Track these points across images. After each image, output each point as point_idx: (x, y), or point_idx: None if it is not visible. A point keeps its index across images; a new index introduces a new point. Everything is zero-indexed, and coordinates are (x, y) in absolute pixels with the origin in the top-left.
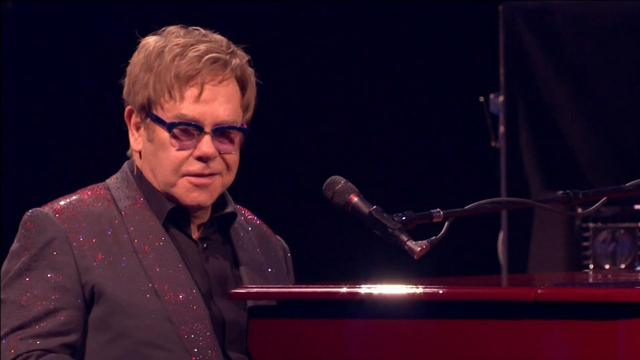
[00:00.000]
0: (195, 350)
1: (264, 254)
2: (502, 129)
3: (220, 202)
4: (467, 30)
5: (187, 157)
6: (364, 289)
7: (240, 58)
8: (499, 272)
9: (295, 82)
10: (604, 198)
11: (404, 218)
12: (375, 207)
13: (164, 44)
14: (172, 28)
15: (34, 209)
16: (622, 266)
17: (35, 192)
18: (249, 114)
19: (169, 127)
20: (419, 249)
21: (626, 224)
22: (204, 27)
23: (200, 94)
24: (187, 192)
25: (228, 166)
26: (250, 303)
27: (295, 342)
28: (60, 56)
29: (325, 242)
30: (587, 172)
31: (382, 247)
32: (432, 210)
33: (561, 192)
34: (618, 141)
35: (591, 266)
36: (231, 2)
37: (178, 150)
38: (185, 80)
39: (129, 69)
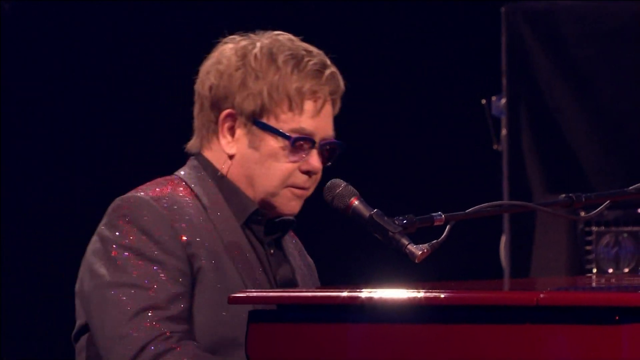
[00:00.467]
0: None
1: (304, 263)
2: (504, 131)
3: None
4: (469, 32)
5: (295, 169)
6: (365, 294)
7: (337, 70)
8: (501, 276)
9: None
10: (607, 201)
11: (404, 221)
12: (375, 210)
13: (270, 48)
14: (257, 35)
15: (128, 195)
16: (626, 270)
17: (35, 192)
18: None
19: (293, 141)
20: (419, 252)
21: (629, 228)
22: (203, 27)
23: (320, 109)
24: (287, 202)
25: (317, 181)
26: None
27: (295, 347)
28: (60, 56)
29: (325, 246)
30: (590, 175)
31: (382, 251)
32: (434, 214)
33: (564, 195)
34: (621, 144)
35: (594, 270)
36: (230, 2)
37: (290, 162)
38: (309, 94)
39: (221, 68)
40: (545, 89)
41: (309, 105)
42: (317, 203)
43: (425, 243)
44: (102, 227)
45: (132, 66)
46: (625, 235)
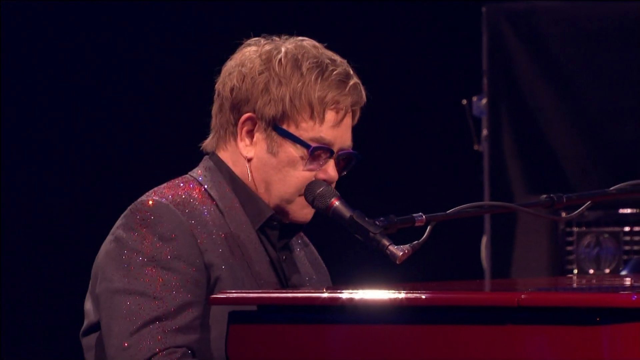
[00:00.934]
0: None
1: (311, 263)
2: (485, 132)
3: None
4: (450, 31)
5: (312, 177)
6: (345, 294)
7: (359, 80)
8: (482, 277)
9: None
10: (588, 202)
11: (385, 222)
12: (356, 211)
13: (295, 54)
14: (281, 39)
15: (148, 198)
16: (607, 271)
17: (35, 192)
18: None
19: (312, 150)
20: (400, 253)
21: (610, 229)
22: (202, 27)
23: (341, 119)
24: (301, 209)
25: None
26: None
27: (276, 348)
28: (59, 56)
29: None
30: (571, 175)
31: (363, 252)
32: (414, 214)
33: (545, 196)
34: (603, 144)
35: (575, 271)
36: (228, 2)
37: (307, 170)
38: (332, 104)
39: (244, 72)
40: (526, 89)
41: (330, 115)
42: None
43: (406, 244)
44: (118, 229)
45: (134, 65)
46: (606, 235)
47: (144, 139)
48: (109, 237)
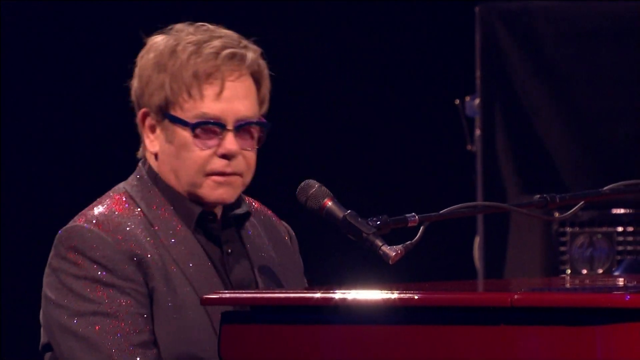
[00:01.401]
0: None
1: (273, 245)
2: (478, 132)
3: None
4: (443, 31)
5: (211, 156)
6: (338, 295)
7: (253, 51)
8: (475, 278)
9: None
10: (582, 202)
11: (378, 222)
12: (349, 211)
13: (175, 42)
14: (179, 26)
15: (71, 225)
16: (600, 271)
17: (35, 192)
18: (265, 108)
19: (193, 127)
20: (393, 254)
21: (604, 229)
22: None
23: (220, 91)
24: (212, 190)
25: (248, 165)
26: None
27: (269, 348)
28: (59, 56)
29: (299, 248)
30: (564, 176)
31: (356, 252)
32: (407, 215)
33: (538, 196)
34: (596, 145)
35: (568, 271)
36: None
37: (202, 150)
38: (205, 78)
39: (138, 70)
40: (520, 89)
41: (208, 89)
42: (290, 204)
43: (399, 244)
44: (52, 259)
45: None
46: (599, 236)
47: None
48: (47, 270)
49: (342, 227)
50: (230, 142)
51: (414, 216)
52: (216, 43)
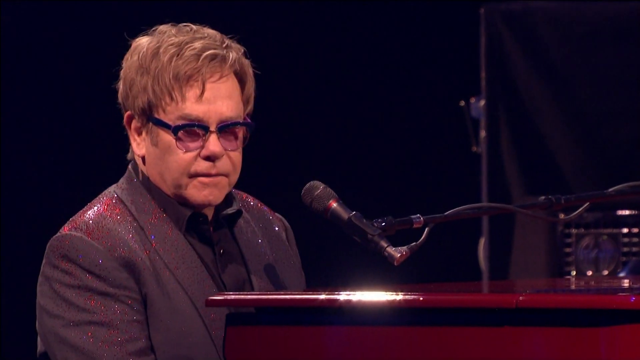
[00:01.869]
0: None
1: (268, 241)
2: (483, 133)
3: (224, 200)
4: (448, 33)
5: (195, 158)
6: (343, 296)
7: (236, 51)
8: (480, 279)
9: (273, 86)
10: (587, 204)
11: (383, 224)
12: (354, 212)
13: (157, 45)
14: (162, 27)
15: (62, 234)
16: (605, 272)
17: (35, 192)
18: (250, 107)
19: (175, 130)
20: (398, 255)
21: (609, 230)
22: (195, 23)
23: (202, 92)
24: (198, 192)
25: (234, 166)
26: None
27: (273, 350)
28: (59, 56)
29: (303, 249)
30: (569, 177)
31: (361, 254)
32: (413, 216)
33: (543, 197)
34: (600, 146)
35: (573, 272)
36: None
37: (185, 152)
38: (185, 80)
39: (123, 72)
40: (524, 90)
41: (189, 91)
42: (295, 205)
43: (404, 245)
44: (44, 267)
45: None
46: (604, 237)
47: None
48: (40, 278)
49: (347, 228)
50: (214, 143)
51: (419, 217)
52: (197, 45)
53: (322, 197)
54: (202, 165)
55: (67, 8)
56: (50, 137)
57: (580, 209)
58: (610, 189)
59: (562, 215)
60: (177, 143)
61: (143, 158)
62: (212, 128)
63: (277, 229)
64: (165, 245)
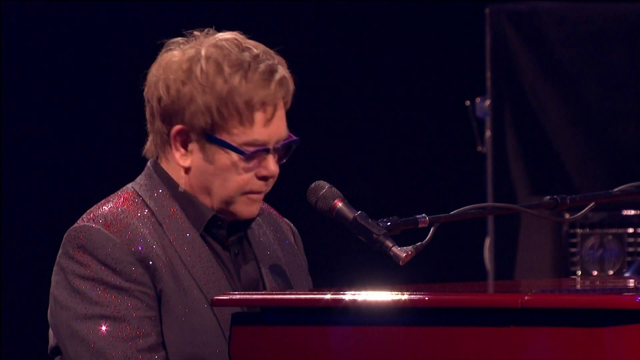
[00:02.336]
0: None
1: (279, 244)
2: (488, 133)
3: None
4: (453, 32)
5: (252, 177)
6: (348, 296)
7: (283, 66)
8: (486, 279)
9: None
10: (592, 204)
11: (389, 224)
12: (359, 212)
13: (216, 59)
14: (200, 34)
15: (80, 225)
16: (610, 272)
17: (35, 192)
18: None
19: (248, 157)
20: (404, 255)
21: (614, 230)
22: (196, 25)
23: (271, 117)
24: (247, 207)
25: (274, 180)
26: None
27: (279, 350)
28: (59, 56)
29: (308, 249)
30: (574, 177)
31: (366, 253)
32: (418, 216)
33: (548, 197)
34: (606, 146)
35: (579, 272)
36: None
37: (247, 171)
38: (259, 105)
39: (164, 81)
40: (529, 90)
41: (259, 115)
42: (300, 205)
43: (409, 245)
44: (60, 257)
45: (133, 64)
46: (609, 237)
47: (144, 139)
48: (55, 268)
49: (352, 228)
50: (273, 164)
51: (425, 217)
52: (262, 66)
53: (327, 196)
54: (258, 184)
55: (67, 8)
56: (50, 136)
57: (585, 209)
58: (615, 189)
59: (567, 215)
60: (243, 165)
61: (186, 169)
62: (271, 148)
63: (286, 232)
64: (183, 243)
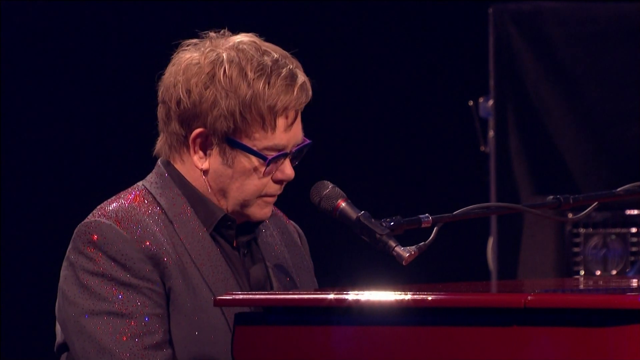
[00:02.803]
0: None
1: (286, 245)
2: (491, 133)
3: None
4: (456, 32)
5: (269, 180)
6: (352, 296)
7: (300, 69)
8: (489, 278)
9: None
10: (595, 203)
11: (392, 223)
12: (363, 212)
13: (239, 63)
14: (216, 36)
15: (91, 220)
16: (614, 272)
17: (35, 192)
18: None
19: (269, 162)
20: (407, 254)
21: (617, 230)
22: (196, 25)
23: (292, 123)
24: (261, 209)
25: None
26: None
27: (282, 349)
28: (59, 56)
29: (311, 248)
30: (577, 176)
31: (370, 253)
32: (421, 216)
33: (551, 197)
34: (609, 145)
35: (582, 272)
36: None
37: (265, 176)
38: (282, 111)
39: (189, 86)
40: (533, 90)
41: (281, 120)
42: (303, 205)
43: (412, 245)
44: (70, 252)
45: (133, 64)
46: (613, 237)
47: (145, 139)
48: (64, 263)
49: (356, 228)
50: (289, 168)
51: (428, 217)
52: (283, 71)
53: (331, 196)
54: (274, 188)
55: (67, 8)
56: (50, 136)
57: (588, 209)
58: (618, 189)
59: (570, 215)
60: (264, 169)
61: (203, 171)
62: (289, 152)
63: (292, 234)
64: (193, 241)
